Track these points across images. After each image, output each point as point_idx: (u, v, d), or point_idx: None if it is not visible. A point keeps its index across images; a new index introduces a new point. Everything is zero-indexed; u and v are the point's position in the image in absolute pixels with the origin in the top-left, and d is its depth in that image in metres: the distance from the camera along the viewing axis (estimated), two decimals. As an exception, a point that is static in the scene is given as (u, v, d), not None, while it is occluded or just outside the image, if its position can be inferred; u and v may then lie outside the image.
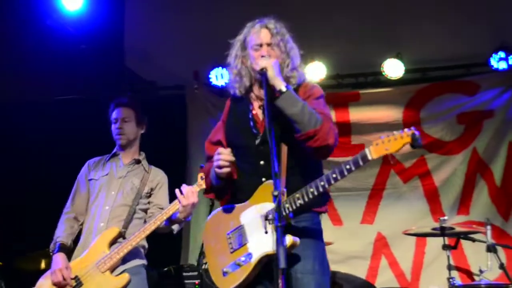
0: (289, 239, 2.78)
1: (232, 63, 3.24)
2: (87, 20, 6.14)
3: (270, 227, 2.76)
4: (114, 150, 4.41)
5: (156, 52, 7.17)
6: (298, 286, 2.89)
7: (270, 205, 2.82)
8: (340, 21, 6.40)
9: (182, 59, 7.16)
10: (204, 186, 3.84)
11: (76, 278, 3.93)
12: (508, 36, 6.56)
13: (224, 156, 2.99)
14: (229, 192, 3.18)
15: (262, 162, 3.00)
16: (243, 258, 2.88)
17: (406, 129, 2.65)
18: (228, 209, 3.10)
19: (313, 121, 2.87)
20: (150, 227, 3.93)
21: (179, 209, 3.85)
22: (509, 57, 6.59)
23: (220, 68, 7.10)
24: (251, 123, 3.11)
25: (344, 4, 6.55)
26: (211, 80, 7.16)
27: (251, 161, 3.00)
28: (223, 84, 7.14)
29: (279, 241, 2.47)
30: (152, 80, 7.55)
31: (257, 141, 3.02)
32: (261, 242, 2.83)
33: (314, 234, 3.01)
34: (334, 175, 2.76)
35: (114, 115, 4.38)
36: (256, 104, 3.16)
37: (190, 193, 3.78)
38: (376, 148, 2.66)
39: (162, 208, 4.18)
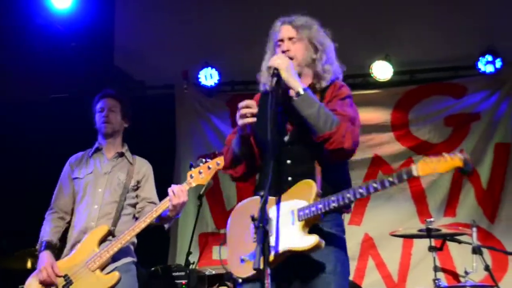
0: (315, 239, 2.78)
1: (266, 57, 3.23)
2: (77, 19, 6.15)
3: (299, 224, 2.80)
4: (96, 145, 4.36)
5: (146, 52, 7.17)
6: (319, 286, 2.89)
7: (303, 203, 2.84)
8: (329, 22, 6.41)
9: (171, 58, 7.15)
10: (193, 185, 3.87)
11: (66, 277, 3.91)
12: (496, 39, 6.60)
13: (246, 103, 2.96)
14: (250, 168, 3.16)
15: (289, 161, 2.98)
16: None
17: (457, 153, 2.69)
18: (257, 200, 2.97)
19: (328, 123, 2.85)
20: (140, 226, 3.92)
21: (169, 207, 3.86)
22: (496, 61, 6.63)
23: (209, 68, 7.11)
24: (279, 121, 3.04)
25: (333, 5, 6.58)
26: (200, 80, 7.17)
27: (278, 159, 2.93)
28: (212, 84, 7.16)
29: (261, 241, 2.47)
30: (141, 80, 7.54)
31: (286, 138, 3.00)
32: (286, 237, 2.81)
33: (337, 235, 2.99)
34: (374, 185, 2.75)
35: (100, 105, 4.34)
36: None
37: (180, 192, 3.81)
38: (423, 166, 2.70)
39: (151, 202, 4.18)
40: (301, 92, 2.90)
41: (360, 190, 2.79)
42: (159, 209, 3.89)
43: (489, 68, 6.69)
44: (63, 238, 4.18)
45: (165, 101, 7.49)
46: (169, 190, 3.86)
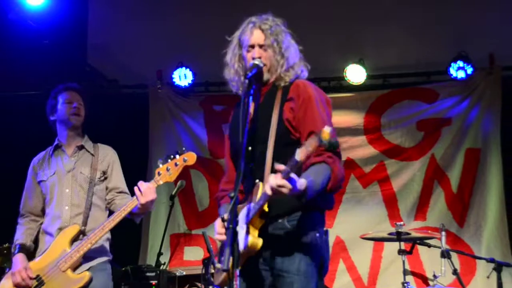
0: (249, 240, 2.78)
1: (229, 61, 3.21)
2: (50, 15, 6.08)
3: (245, 227, 2.80)
4: (56, 142, 4.27)
5: (120, 50, 7.13)
6: (281, 286, 2.88)
7: (251, 205, 2.84)
8: (304, 25, 6.45)
9: (145, 58, 7.13)
10: (161, 182, 3.85)
11: (37, 278, 3.87)
12: (467, 46, 6.69)
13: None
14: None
15: (253, 165, 2.99)
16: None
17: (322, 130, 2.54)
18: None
19: (325, 183, 2.81)
20: (109, 225, 3.87)
21: (137, 205, 3.82)
22: (467, 67, 6.71)
23: (184, 68, 7.09)
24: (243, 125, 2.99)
25: (309, 9, 6.62)
26: (174, 80, 7.15)
27: (245, 166, 2.89)
28: (186, 84, 7.14)
29: (231, 242, 2.47)
30: (114, 78, 7.48)
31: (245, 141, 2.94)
32: (240, 241, 2.80)
33: (305, 234, 2.93)
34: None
35: (65, 96, 4.23)
36: (251, 105, 3.03)
37: (148, 191, 3.77)
38: (302, 151, 2.60)
39: (120, 192, 4.15)
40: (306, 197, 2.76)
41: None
42: (127, 207, 3.85)
43: (461, 74, 6.76)
44: (37, 239, 4.14)
45: (139, 101, 7.45)
46: (135, 189, 3.81)
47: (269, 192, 2.64)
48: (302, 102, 3.01)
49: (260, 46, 3.07)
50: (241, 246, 2.75)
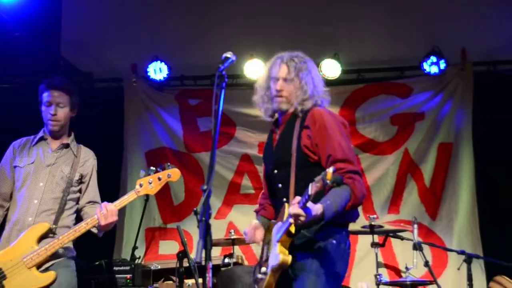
0: (280, 257, 3.09)
1: (258, 87, 3.55)
2: (22, 8, 6.00)
3: (277, 244, 3.14)
4: (41, 134, 4.19)
5: (94, 43, 7.09)
6: (295, 284, 3.19)
7: (280, 224, 3.19)
8: (279, 20, 6.49)
9: (120, 51, 7.10)
10: (141, 194, 3.89)
11: (-1, 271, 3.83)
12: (439, 41, 6.77)
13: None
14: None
15: (280, 185, 3.37)
16: (263, 270, 3.27)
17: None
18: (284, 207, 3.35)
19: (345, 204, 3.09)
20: (82, 229, 3.85)
21: (97, 225, 3.85)
22: (440, 62, 6.78)
23: (159, 62, 7.06)
24: (270, 150, 3.51)
25: (284, 4, 6.64)
26: (149, 74, 7.12)
27: (274, 185, 3.43)
28: (161, 78, 7.12)
29: (204, 235, 2.51)
30: (88, 72, 7.43)
31: (271, 166, 3.44)
32: (272, 256, 3.20)
33: (321, 240, 3.21)
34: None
35: (46, 97, 4.11)
36: (276, 131, 3.50)
37: (110, 213, 3.82)
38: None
39: (91, 202, 4.12)
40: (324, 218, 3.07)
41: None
42: (92, 222, 3.86)
43: (434, 69, 6.83)
44: (1, 226, 4.09)
45: (114, 94, 7.42)
46: (97, 210, 3.82)
47: (290, 220, 3.01)
48: (318, 129, 3.29)
49: (284, 80, 3.39)
50: (274, 263, 3.13)
